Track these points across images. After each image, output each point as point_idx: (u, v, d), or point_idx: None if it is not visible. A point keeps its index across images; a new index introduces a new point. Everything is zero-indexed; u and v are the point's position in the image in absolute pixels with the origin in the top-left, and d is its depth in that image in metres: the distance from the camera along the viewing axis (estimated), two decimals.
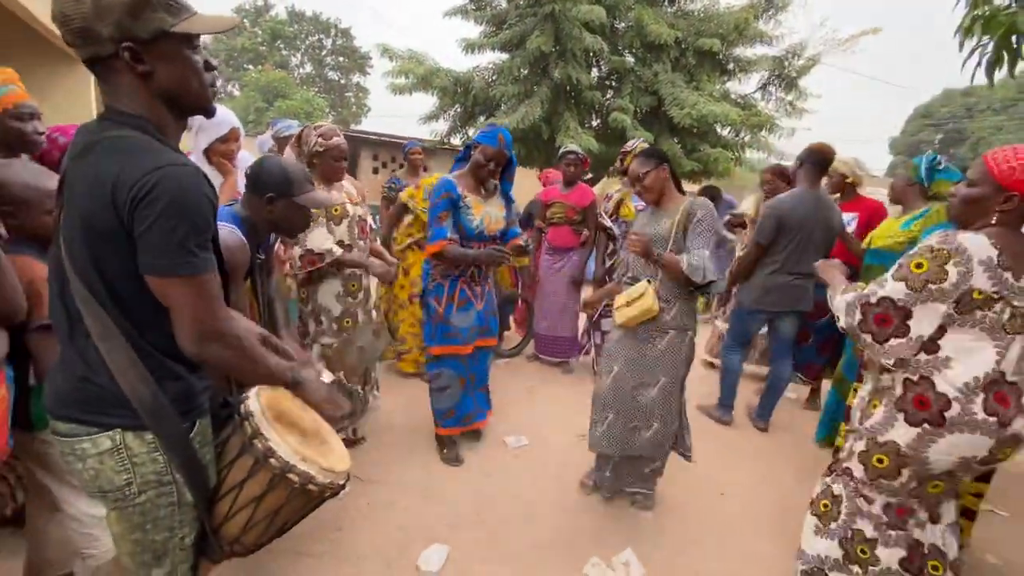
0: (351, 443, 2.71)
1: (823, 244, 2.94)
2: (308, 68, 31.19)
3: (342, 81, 31.64)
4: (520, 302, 4.59)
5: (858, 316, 1.50)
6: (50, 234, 1.26)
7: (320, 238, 2.39)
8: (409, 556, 2.03)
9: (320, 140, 2.37)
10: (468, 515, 2.31)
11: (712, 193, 5.32)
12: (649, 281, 2.17)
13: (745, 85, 9.78)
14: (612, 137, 8.34)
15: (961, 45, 2.75)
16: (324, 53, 31.18)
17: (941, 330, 1.44)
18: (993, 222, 1.42)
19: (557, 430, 3.02)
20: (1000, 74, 2.69)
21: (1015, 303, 1.38)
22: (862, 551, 1.57)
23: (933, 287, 1.40)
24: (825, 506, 1.65)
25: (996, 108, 29.73)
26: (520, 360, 4.39)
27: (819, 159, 2.94)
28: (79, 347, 0.97)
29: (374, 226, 2.89)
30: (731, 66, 9.19)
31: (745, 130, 8.88)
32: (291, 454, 1.17)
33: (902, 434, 1.47)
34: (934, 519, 1.59)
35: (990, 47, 2.68)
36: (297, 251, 2.40)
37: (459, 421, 2.75)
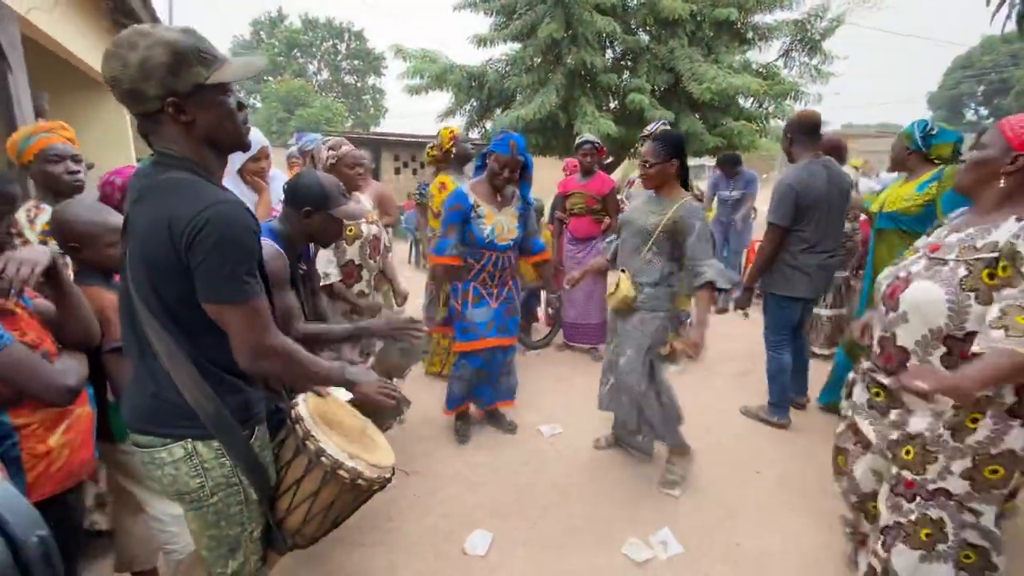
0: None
1: (840, 212, 2.84)
2: (325, 74, 31.73)
3: (359, 84, 32.08)
4: (545, 293, 4.65)
5: None
6: (113, 265, 1.41)
7: (321, 260, 2.45)
8: (455, 542, 2.14)
9: (331, 152, 2.55)
10: (508, 502, 2.41)
11: (733, 159, 5.22)
12: (623, 271, 2.42)
13: (766, 53, 9.40)
14: (631, 119, 8.21)
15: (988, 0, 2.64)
16: (340, 58, 31.64)
17: None
18: (1001, 187, 1.38)
19: (589, 417, 3.08)
20: None
21: None
22: (966, 556, 1.50)
23: None
24: (928, 535, 1.52)
25: None
26: (550, 350, 4.46)
27: (808, 127, 2.83)
28: (149, 367, 1.09)
29: (387, 244, 2.98)
30: (750, 35, 8.87)
31: (769, 100, 8.60)
32: (340, 452, 1.28)
33: (1018, 439, 1.38)
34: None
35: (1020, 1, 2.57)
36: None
37: (465, 399, 2.93)
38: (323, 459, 1.26)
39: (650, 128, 3.79)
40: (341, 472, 1.27)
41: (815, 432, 3.00)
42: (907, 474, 1.53)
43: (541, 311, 4.89)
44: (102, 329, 1.35)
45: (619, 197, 4.20)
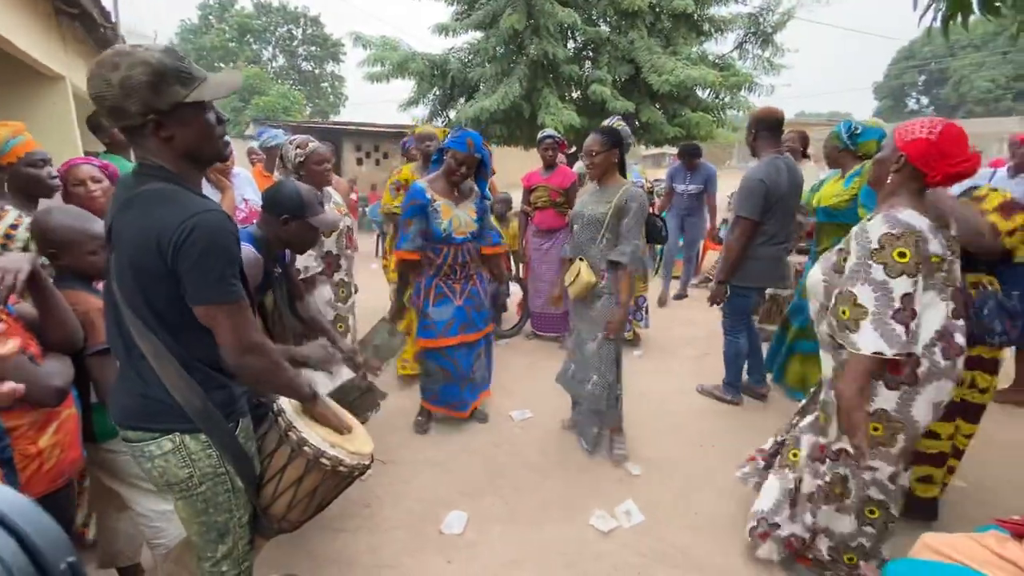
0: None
1: (794, 206, 3.00)
2: (281, 61, 30.64)
3: (316, 71, 31.13)
4: (516, 284, 4.77)
5: (899, 328, 1.44)
6: (93, 270, 1.44)
7: (303, 256, 2.53)
8: (433, 523, 2.25)
9: (298, 151, 2.57)
10: (482, 483, 2.53)
11: (694, 150, 5.28)
12: (580, 259, 2.56)
13: (722, 45, 9.76)
14: (593, 109, 8.37)
15: (915, 3, 2.86)
16: (295, 44, 30.58)
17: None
18: (889, 183, 1.56)
19: (557, 401, 3.21)
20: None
21: (949, 258, 1.54)
22: (870, 511, 1.71)
23: (922, 266, 1.47)
24: (839, 493, 1.73)
25: (977, 44, 29.49)
26: (520, 339, 4.59)
27: (771, 123, 2.95)
28: (136, 367, 1.15)
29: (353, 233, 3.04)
30: (706, 27, 9.15)
31: (725, 91, 8.92)
32: (321, 442, 1.36)
33: (888, 399, 1.55)
34: (907, 467, 1.75)
35: (943, 2, 2.79)
36: None
37: (444, 403, 2.95)
38: (305, 448, 1.34)
39: (606, 123, 3.92)
40: (323, 460, 1.35)
41: (762, 406, 3.24)
42: (820, 439, 1.77)
43: (513, 301, 4.99)
44: (85, 332, 1.38)
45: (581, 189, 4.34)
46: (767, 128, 2.94)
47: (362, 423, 1.67)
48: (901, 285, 1.45)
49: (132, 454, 1.20)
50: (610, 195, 2.47)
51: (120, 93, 1.01)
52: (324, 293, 2.73)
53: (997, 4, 2.34)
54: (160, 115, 1.05)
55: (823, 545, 1.82)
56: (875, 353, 1.46)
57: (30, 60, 4.22)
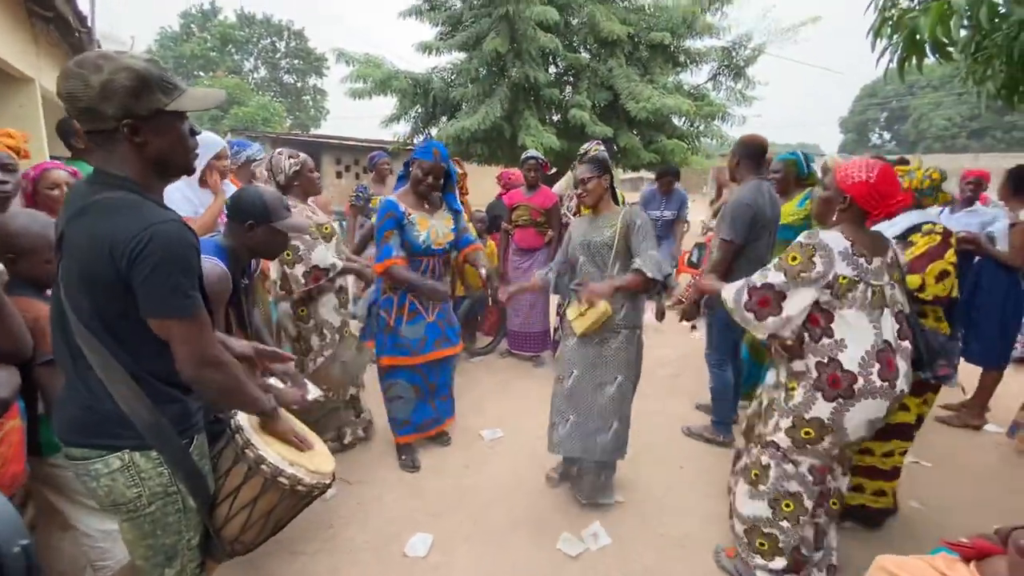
0: (343, 449, 2.84)
1: (775, 230, 2.95)
2: (263, 72, 30.45)
3: (298, 84, 31.02)
4: (491, 303, 4.75)
5: (745, 297, 1.80)
6: (48, 278, 1.38)
7: (322, 254, 2.55)
8: (397, 545, 2.20)
9: (291, 161, 2.59)
10: (450, 505, 2.49)
11: (673, 172, 5.38)
12: None
13: (696, 76, 10.09)
14: (573, 133, 8.53)
15: (873, 45, 3.03)
16: (278, 56, 30.48)
17: (829, 316, 1.71)
18: (834, 219, 1.76)
19: (529, 421, 3.21)
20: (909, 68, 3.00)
21: (872, 282, 1.70)
22: (787, 505, 1.82)
23: (804, 275, 1.70)
24: (756, 475, 1.89)
25: (935, 85, 31.25)
26: (493, 357, 4.57)
27: (754, 150, 2.99)
28: (83, 379, 1.10)
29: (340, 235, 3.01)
30: (682, 58, 9.48)
31: (699, 120, 9.22)
32: (280, 460, 1.32)
33: (823, 409, 1.71)
34: (844, 472, 1.87)
35: (899, 46, 2.97)
36: (300, 269, 2.51)
37: (416, 428, 2.85)
38: (263, 467, 1.30)
39: (586, 147, 4.00)
40: (281, 479, 1.30)
41: (737, 428, 3.28)
42: (759, 427, 1.92)
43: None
44: (35, 341, 1.32)
45: (562, 211, 4.40)
46: (750, 155, 2.94)
47: (340, 439, 1.62)
48: (773, 276, 1.75)
49: (76, 472, 1.14)
50: (611, 220, 2.36)
51: (98, 95, 1.00)
52: (331, 300, 2.70)
53: (949, 49, 2.50)
54: (137, 120, 1.04)
55: (739, 527, 1.95)
56: (723, 299, 1.89)
57: (0, 62, 4.11)
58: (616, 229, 2.33)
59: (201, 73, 25.84)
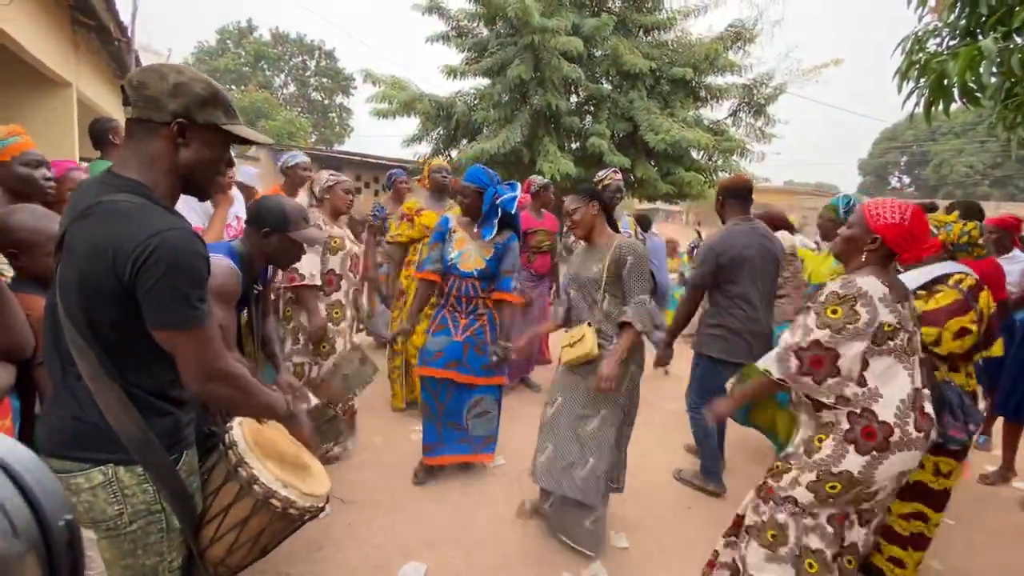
0: (324, 461, 2.77)
1: (771, 274, 2.86)
2: (292, 88, 31.36)
3: (325, 102, 31.84)
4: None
5: (794, 362, 1.62)
6: (48, 273, 1.36)
7: (306, 262, 2.58)
8: (388, 573, 2.11)
9: (331, 177, 2.80)
10: (445, 533, 2.40)
11: (645, 222, 5.27)
12: (589, 324, 2.23)
13: (717, 111, 10.15)
14: (590, 161, 8.60)
15: (899, 88, 3.01)
16: (308, 74, 31.40)
17: (864, 363, 1.61)
18: (863, 260, 1.66)
19: (533, 447, 3.10)
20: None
21: (908, 328, 1.61)
22: (810, 565, 1.68)
23: (850, 327, 1.57)
24: (773, 536, 1.73)
25: (957, 131, 31.14)
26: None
27: (738, 191, 2.90)
28: (71, 387, 1.05)
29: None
30: (703, 93, 9.57)
31: (717, 154, 9.24)
32: (274, 480, 1.26)
33: (854, 463, 1.59)
34: (863, 523, 1.74)
35: (926, 90, 2.94)
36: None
37: (432, 452, 2.78)
38: (255, 487, 1.24)
39: (601, 174, 4.00)
40: (273, 501, 1.25)
41: (742, 470, 3.14)
42: (771, 482, 1.77)
43: None
44: (36, 339, 1.29)
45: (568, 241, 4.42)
46: (734, 196, 2.88)
47: (326, 456, 1.58)
48: (818, 333, 1.60)
49: None
50: (601, 253, 2.27)
51: (169, 90, 1.02)
52: (320, 310, 2.73)
53: (977, 95, 2.46)
54: (191, 123, 1.05)
55: None
56: (765, 370, 1.69)
57: (40, 65, 4.27)
58: (605, 265, 2.24)
59: (233, 87, 26.65)
